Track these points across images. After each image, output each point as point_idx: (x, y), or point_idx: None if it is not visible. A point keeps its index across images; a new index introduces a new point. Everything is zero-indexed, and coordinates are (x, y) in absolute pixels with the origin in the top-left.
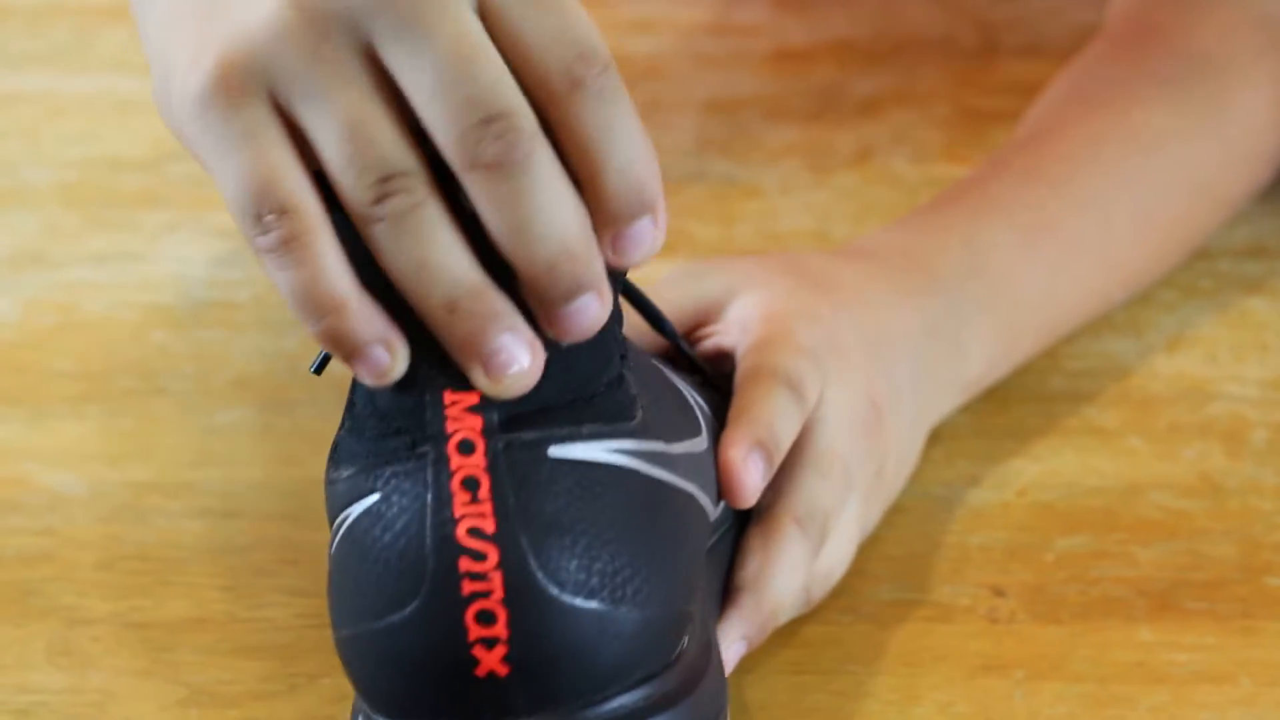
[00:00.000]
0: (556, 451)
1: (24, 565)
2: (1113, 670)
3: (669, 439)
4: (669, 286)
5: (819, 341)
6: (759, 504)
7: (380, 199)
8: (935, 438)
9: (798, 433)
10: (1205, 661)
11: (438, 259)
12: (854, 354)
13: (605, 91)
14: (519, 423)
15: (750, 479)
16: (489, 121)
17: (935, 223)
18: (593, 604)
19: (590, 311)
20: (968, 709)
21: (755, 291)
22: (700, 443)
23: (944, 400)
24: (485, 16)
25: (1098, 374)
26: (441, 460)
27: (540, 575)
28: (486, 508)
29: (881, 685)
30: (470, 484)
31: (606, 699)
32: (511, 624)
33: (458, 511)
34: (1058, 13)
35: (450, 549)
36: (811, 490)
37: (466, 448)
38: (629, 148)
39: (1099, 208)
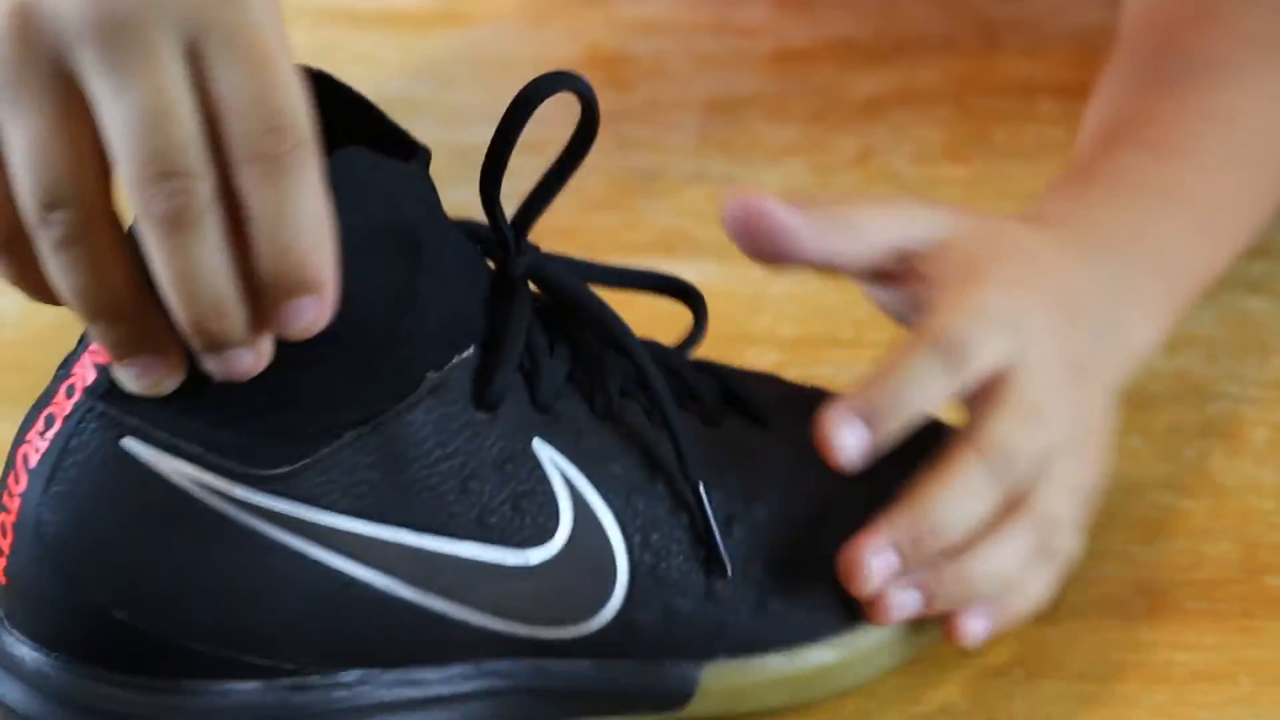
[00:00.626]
0: (128, 442)
1: None
2: (1112, 669)
3: (348, 511)
4: (881, 212)
5: (1017, 303)
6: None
7: (45, 223)
8: None
9: (944, 397)
10: (1205, 660)
11: (96, 282)
12: (1057, 315)
13: (285, 168)
14: (124, 401)
15: (839, 442)
16: (166, 177)
17: (1082, 197)
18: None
19: (237, 364)
20: (968, 708)
21: (958, 248)
22: (487, 550)
23: (1123, 372)
24: (192, 63)
25: None
26: (48, 394)
27: (39, 527)
28: (43, 445)
29: (882, 684)
30: (49, 421)
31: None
32: (13, 547)
33: (28, 436)
34: (1059, 13)
35: (7, 464)
36: (999, 427)
37: (69, 392)
38: (294, 228)
39: (1229, 170)
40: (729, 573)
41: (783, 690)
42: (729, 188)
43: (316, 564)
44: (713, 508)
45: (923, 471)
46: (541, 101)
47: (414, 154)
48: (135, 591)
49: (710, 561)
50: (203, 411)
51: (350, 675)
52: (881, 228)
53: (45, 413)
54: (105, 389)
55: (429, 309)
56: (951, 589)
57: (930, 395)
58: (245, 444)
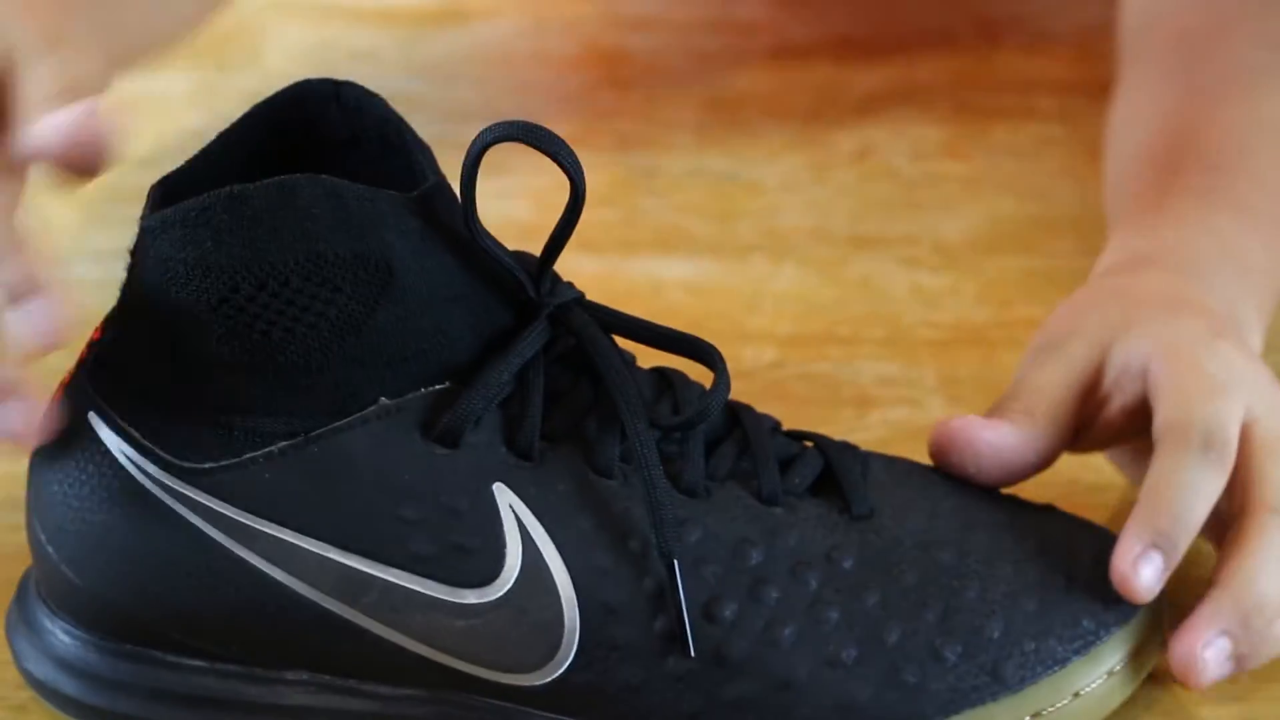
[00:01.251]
0: (92, 416)
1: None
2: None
3: (273, 517)
4: (1037, 372)
5: (1227, 359)
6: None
7: None
8: None
9: (1219, 493)
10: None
11: None
12: (1237, 344)
13: None
14: (96, 380)
15: (1140, 582)
16: None
17: (1171, 225)
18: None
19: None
20: None
21: (1129, 335)
22: (416, 580)
23: None
24: None
25: None
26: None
27: (28, 484)
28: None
29: None
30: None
31: None
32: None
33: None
34: (1058, 10)
35: None
36: (1205, 415)
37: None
38: None
39: None
40: (691, 653)
41: None
42: (728, 184)
43: (246, 563)
44: (704, 584)
45: (1230, 550)
46: (492, 145)
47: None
48: (85, 557)
49: (678, 640)
50: (150, 400)
51: (296, 675)
52: (1049, 383)
53: (62, 380)
54: (89, 364)
55: (388, 336)
56: (1251, 628)
57: (1209, 495)
58: (180, 437)
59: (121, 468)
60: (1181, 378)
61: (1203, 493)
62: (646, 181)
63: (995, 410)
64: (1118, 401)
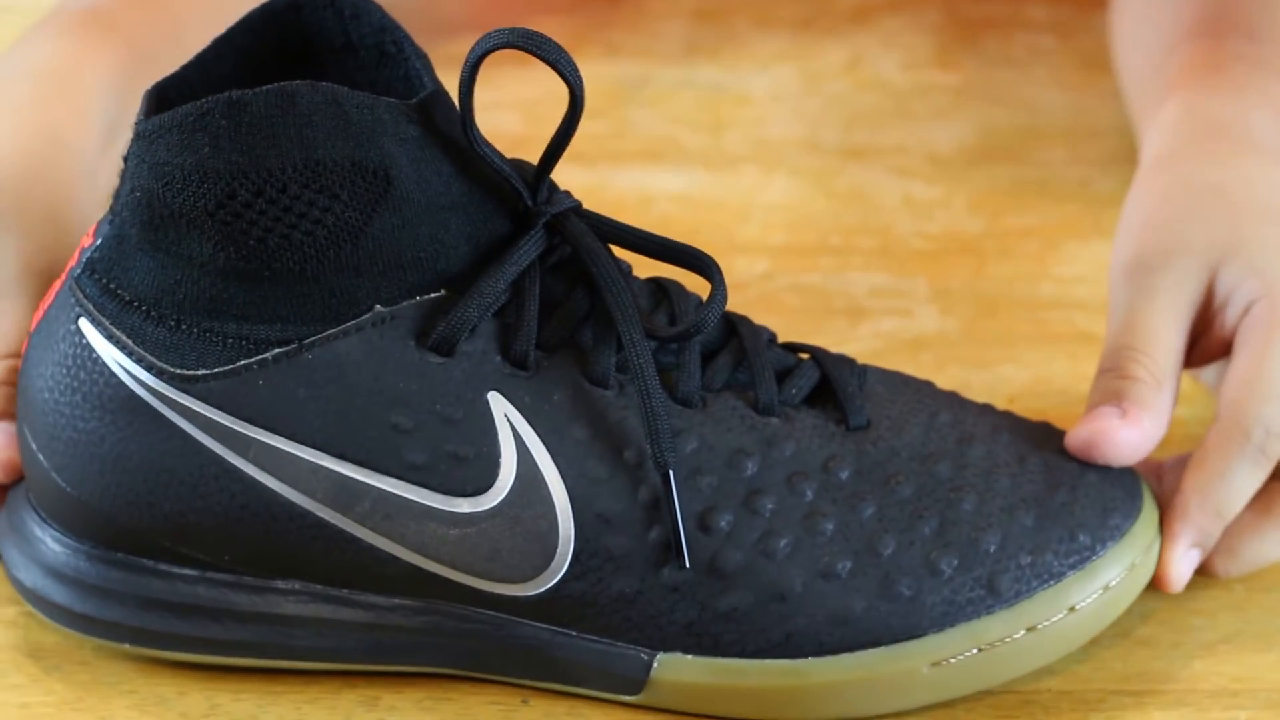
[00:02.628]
0: (83, 323)
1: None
2: None
3: (266, 425)
4: (1148, 306)
5: None
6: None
7: None
8: (924, 344)
9: (1256, 488)
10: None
11: None
12: None
13: None
14: (86, 286)
15: (1180, 578)
16: None
17: (1216, 91)
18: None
19: None
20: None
21: (1237, 262)
22: (410, 489)
23: None
24: None
25: (1088, 280)
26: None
27: (19, 389)
28: (38, 315)
29: None
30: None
31: None
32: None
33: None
34: None
35: None
36: (1270, 415)
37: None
38: None
39: None
40: (686, 564)
41: (746, 702)
42: (718, 95)
43: (238, 471)
44: (700, 495)
45: (1201, 462)
46: (492, 52)
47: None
48: (76, 465)
49: (673, 550)
50: (142, 307)
51: (288, 584)
52: (1165, 311)
53: (54, 285)
54: (78, 272)
55: (384, 244)
56: (1212, 537)
57: (1249, 491)
58: (172, 343)
59: (113, 375)
60: (1267, 356)
61: (1248, 491)
62: (636, 93)
63: (1115, 368)
64: (1217, 331)
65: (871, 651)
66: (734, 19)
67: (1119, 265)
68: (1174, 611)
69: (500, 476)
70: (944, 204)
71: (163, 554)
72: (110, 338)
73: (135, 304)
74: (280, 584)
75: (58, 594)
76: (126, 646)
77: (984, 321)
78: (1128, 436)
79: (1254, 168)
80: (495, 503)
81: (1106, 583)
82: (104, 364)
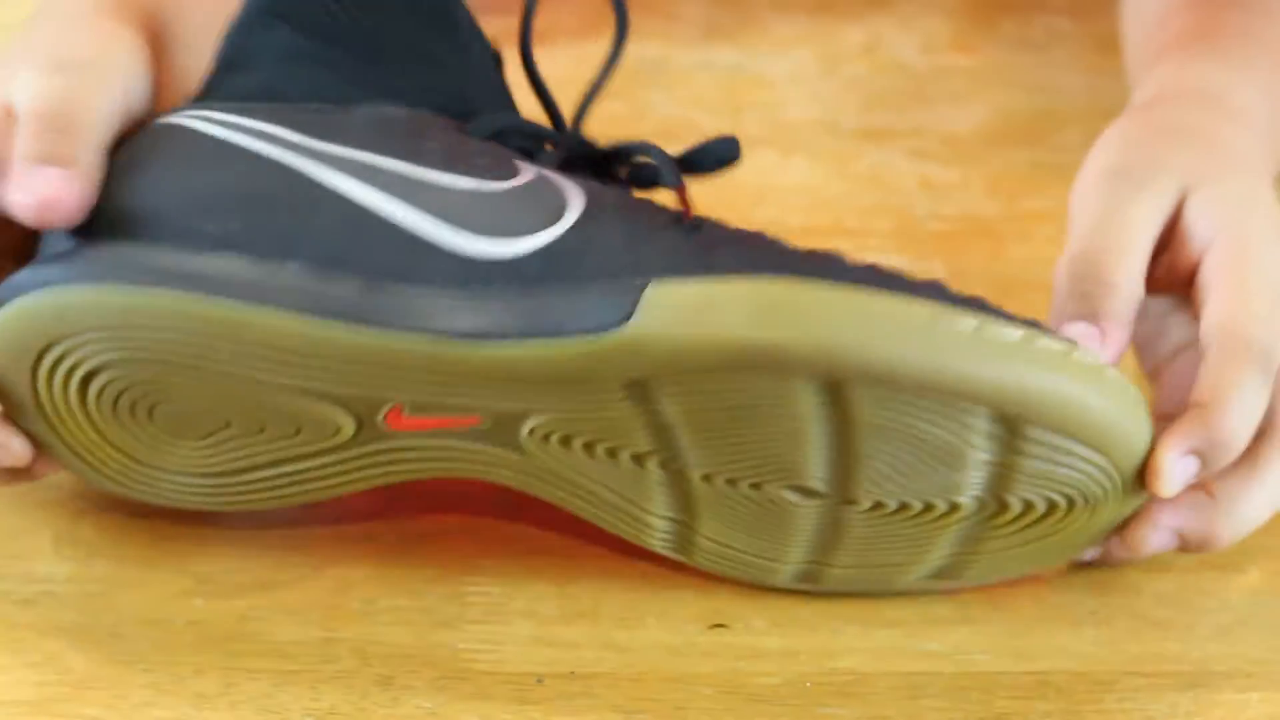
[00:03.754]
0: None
1: None
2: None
3: (353, 145)
4: (1129, 207)
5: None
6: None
7: None
8: None
9: (1263, 411)
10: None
11: None
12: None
13: None
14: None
15: (1172, 477)
16: None
17: (1200, 59)
18: None
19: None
20: (974, 598)
21: (1207, 190)
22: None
23: None
24: None
25: None
26: None
27: None
28: None
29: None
30: None
31: None
32: None
33: None
34: None
35: None
36: (1263, 336)
37: None
38: None
39: None
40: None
41: (741, 316)
42: (736, 77)
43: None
44: None
45: (1213, 378)
46: None
47: None
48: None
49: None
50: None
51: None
52: (1133, 219)
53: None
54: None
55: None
56: (1216, 450)
57: (1257, 417)
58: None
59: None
60: (1246, 283)
61: (1254, 415)
62: (654, 75)
63: (1093, 275)
64: (1170, 256)
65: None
66: (752, 1)
67: (1095, 171)
68: (1188, 593)
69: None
70: (961, 186)
71: (174, 233)
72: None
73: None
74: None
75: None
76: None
77: (1001, 304)
78: (1106, 359)
79: (1224, 125)
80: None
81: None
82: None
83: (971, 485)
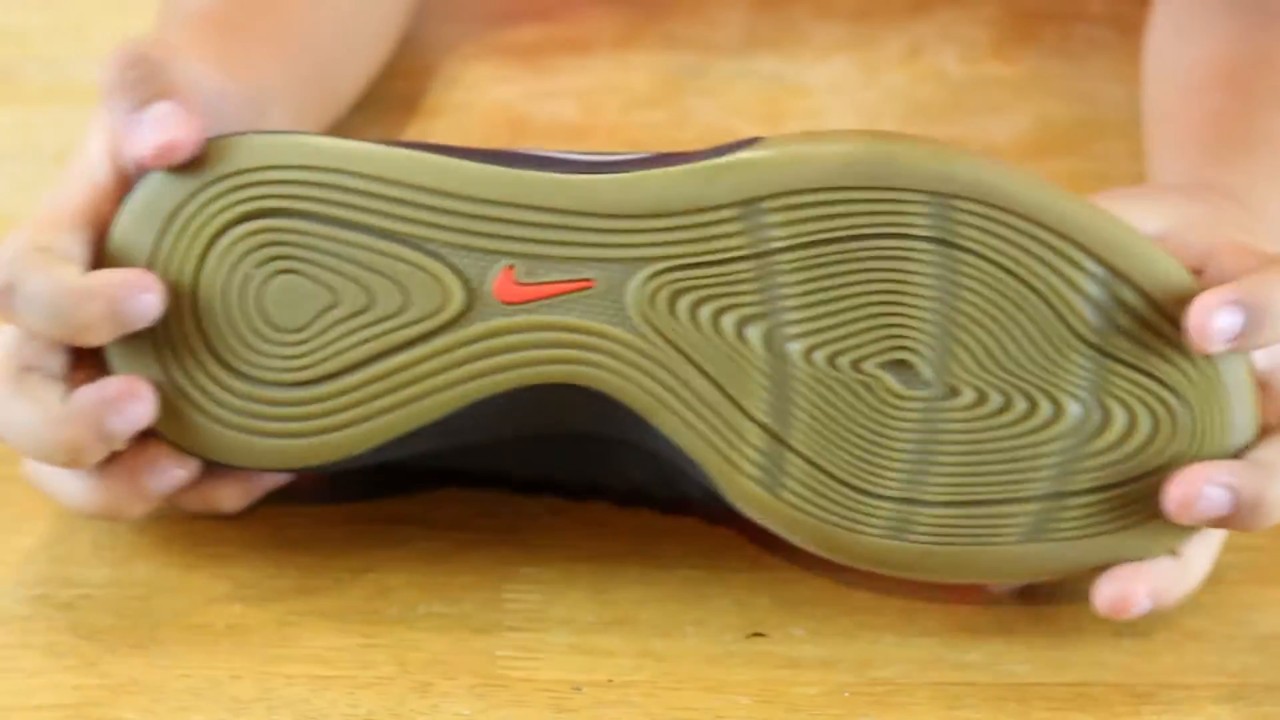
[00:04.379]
0: None
1: None
2: None
3: None
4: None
5: None
6: None
7: None
8: None
9: None
10: (1255, 562)
11: None
12: None
13: None
14: None
15: (1216, 329)
16: None
17: (1221, 161)
18: None
19: None
20: (1011, 608)
21: (1199, 227)
22: None
23: None
24: None
25: None
26: None
27: None
28: None
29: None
30: None
31: None
32: None
33: None
34: None
35: None
36: None
37: None
38: None
39: None
40: None
41: (857, 135)
42: (776, 86)
43: None
44: None
45: (1261, 268)
46: None
47: None
48: None
49: None
50: None
51: None
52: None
53: None
54: None
55: None
56: (1260, 491)
57: None
58: None
59: None
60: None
61: None
62: (694, 82)
63: None
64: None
65: None
66: (793, 9)
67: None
68: (1226, 605)
69: None
70: None
71: None
72: None
73: None
74: None
75: None
76: None
77: None
78: None
79: (1257, 224)
80: None
81: None
82: None
83: (1074, 380)
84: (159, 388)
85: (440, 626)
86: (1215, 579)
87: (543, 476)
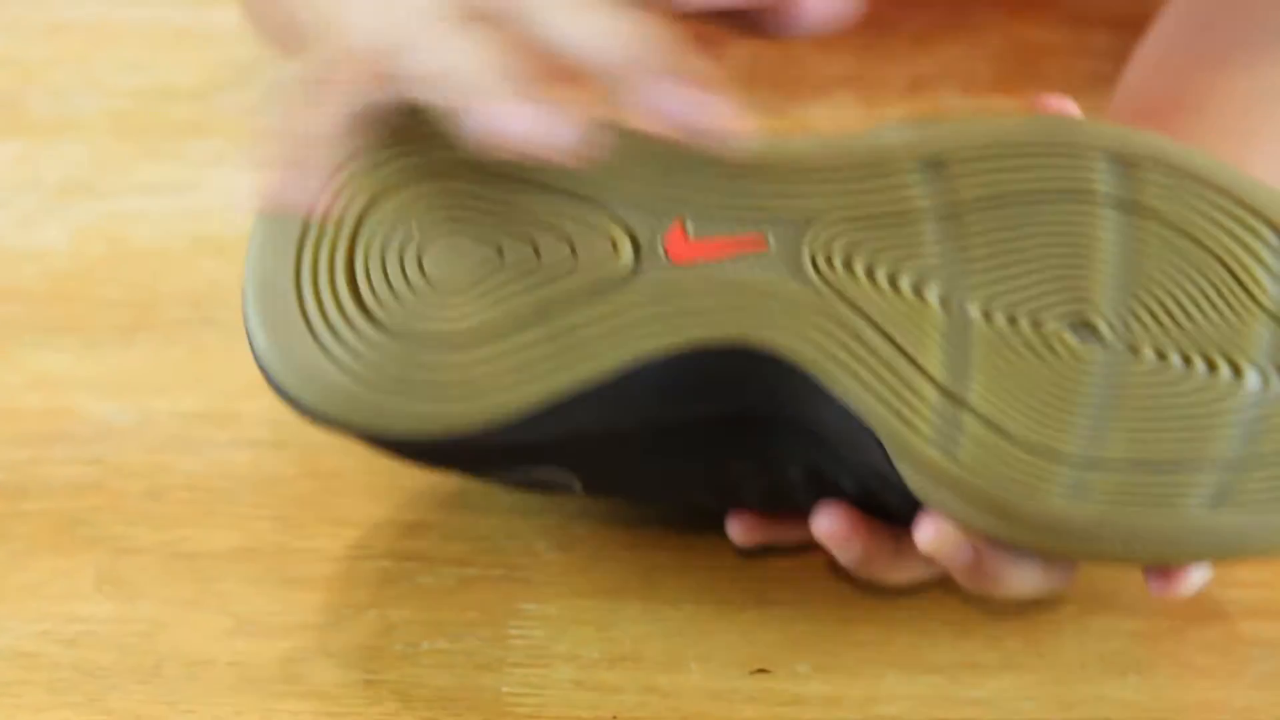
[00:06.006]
0: None
1: (73, 495)
2: (1163, 606)
3: None
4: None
5: None
6: None
7: None
8: None
9: None
10: (1259, 598)
11: None
12: None
13: None
14: None
15: None
16: None
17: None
18: None
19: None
20: (1017, 644)
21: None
22: None
23: None
24: None
25: None
26: None
27: None
28: None
29: (932, 616)
30: None
31: None
32: None
33: None
34: None
35: None
36: None
37: None
38: None
39: None
40: None
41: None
42: (779, 120)
43: None
44: None
45: None
46: None
47: None
48: None
49: None
50: None
51: None
52: None
53: None
54: None
55: None
56: None
57: None
58: None
59: None
60: None
61: None
62: None
63: None
64: None
65: None
66: (795, 43)
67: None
68: (1232, 641)
69: None
70: None
71: None
72: None
73: None
74: None
75: None
76: None
77: None
78: None
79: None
80: None
81: None
82: None
83: (1254, 347)
84: (308, 350)
85: (444, 663)
86: (1220, 615)
87: (690, 482)
